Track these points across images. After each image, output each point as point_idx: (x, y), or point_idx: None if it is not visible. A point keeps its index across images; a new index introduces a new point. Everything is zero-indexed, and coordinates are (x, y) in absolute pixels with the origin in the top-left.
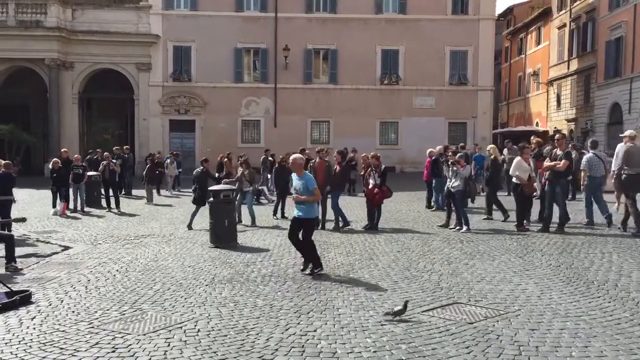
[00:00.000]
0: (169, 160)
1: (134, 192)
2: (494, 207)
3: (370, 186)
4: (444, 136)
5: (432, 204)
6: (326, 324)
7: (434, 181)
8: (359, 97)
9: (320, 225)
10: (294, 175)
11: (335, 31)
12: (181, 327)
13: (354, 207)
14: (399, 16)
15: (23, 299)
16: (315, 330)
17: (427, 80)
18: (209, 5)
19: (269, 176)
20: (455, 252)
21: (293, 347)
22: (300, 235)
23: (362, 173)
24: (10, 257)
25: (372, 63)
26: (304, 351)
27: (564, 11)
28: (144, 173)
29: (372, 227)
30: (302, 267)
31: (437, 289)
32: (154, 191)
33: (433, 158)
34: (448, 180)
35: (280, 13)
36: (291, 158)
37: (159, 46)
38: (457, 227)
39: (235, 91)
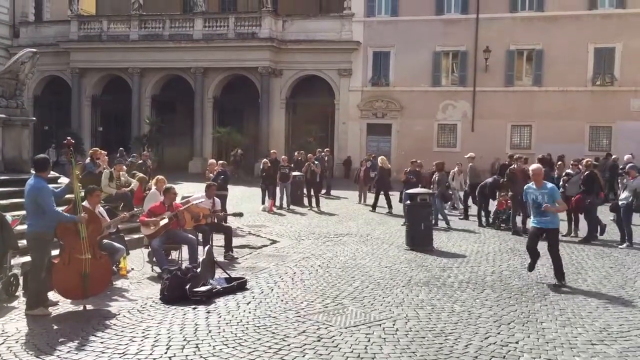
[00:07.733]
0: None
1: (333, 192)
2: None
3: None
4: None
5: None
6: (529, 337)
7: None
8: (565, 99)
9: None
10: (531, 185)
11: (542, 30)
12: (380, 325)
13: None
14: (617, 11)
15: (240, 285)
16: (517, 342)
17: None
18: (409, 10)
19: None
20: None
21: (493, 356)
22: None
23: None
24: (228, 247)
25: (583, 63)
26: None
27: None
28: (360, 175)
29: (584, 238)
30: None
31: None
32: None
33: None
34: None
35: (482, 14)
36: (532, 168)
37: (359, 52)
38: (626, 244)
39: (432, 95)
